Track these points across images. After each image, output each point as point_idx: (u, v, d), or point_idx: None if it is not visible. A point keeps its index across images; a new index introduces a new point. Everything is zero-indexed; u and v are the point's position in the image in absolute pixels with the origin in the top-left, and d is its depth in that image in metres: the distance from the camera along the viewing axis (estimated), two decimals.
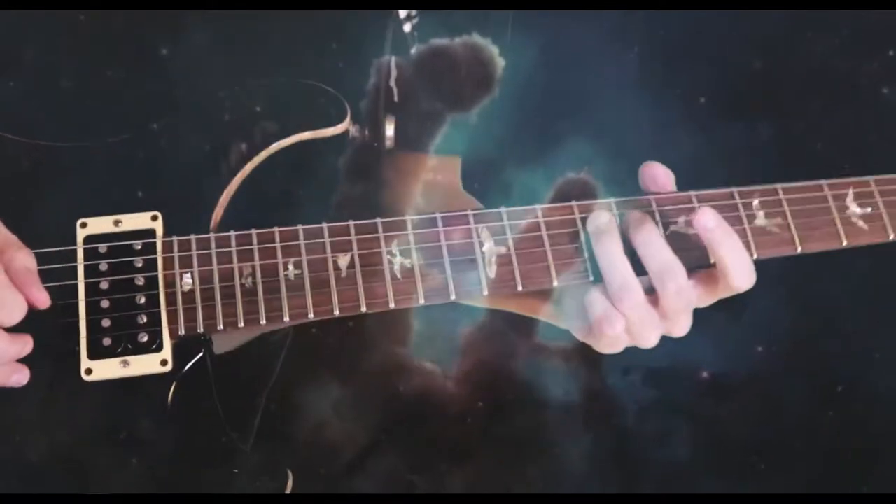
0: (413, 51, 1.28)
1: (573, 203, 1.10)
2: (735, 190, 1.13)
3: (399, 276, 1.05)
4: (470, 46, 1.28)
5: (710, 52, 1.70)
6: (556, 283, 1.08)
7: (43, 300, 0.98)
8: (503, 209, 1.09)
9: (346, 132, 1.13)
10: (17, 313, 0.96)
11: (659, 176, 1.14)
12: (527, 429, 1.56)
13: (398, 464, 1.45)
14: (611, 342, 1.10)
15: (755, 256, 1.11)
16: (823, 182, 1.15)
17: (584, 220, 1.10)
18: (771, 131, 1.72)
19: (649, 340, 1.09)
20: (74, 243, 1.03)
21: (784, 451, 1.78)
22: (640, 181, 1.15)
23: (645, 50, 1.61)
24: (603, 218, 1.09)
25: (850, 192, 1.15)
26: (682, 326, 1.10)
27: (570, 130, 1.41)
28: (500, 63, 1.29)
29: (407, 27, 1.27)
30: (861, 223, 1.14)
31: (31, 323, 0.97)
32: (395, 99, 1.24)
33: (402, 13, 1.26)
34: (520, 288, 1.07)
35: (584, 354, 1.28)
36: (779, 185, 1.14)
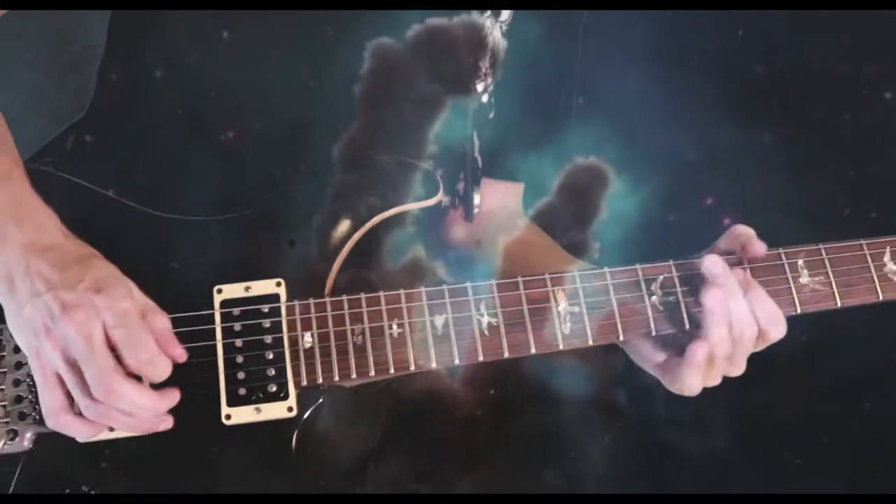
0: (489, 117, 1.38)
1: (636, 266, 1.25)
2: (782, 251, 1.27)
3: (487, 333, 1.22)
4: (470, 26, 1.30)
5: (712, 51, 1.78)
6: (622, 338, 1.23)
7: (180, 354, 1.15)
8: (576, 272, 1.24)
9: (439, 203, 1.29)
10: (165, 372, 1.14)
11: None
12: (547, 425, 1.62)
13: (402, 469, 1.51)
14: (693, 382, 1.20)
15: (798, 311, 1.25)
16: (863, 241, 1.28)
17: (647, 281, 1.23)
18: (774, 133, 1.80)
19: (716, 379, 1.22)
20: (212, 307, 1.21)
21: (822, 448, 1.85)
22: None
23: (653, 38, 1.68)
24: (719, 266, 1.19)
25: (888, 250, 1.28)
26: (742, 367, 1.22)
27: (575, 117, 1.45)
28: (503, 44, 1.31)
29: (484, 98, 1.36)
30: None
31: (180, 377, 1.15)
32: (480, 166, 1.39)
33: (480, 86, 1.34)
34: (591, 342, 1.23)
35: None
36: (822, 245, 1.27)
